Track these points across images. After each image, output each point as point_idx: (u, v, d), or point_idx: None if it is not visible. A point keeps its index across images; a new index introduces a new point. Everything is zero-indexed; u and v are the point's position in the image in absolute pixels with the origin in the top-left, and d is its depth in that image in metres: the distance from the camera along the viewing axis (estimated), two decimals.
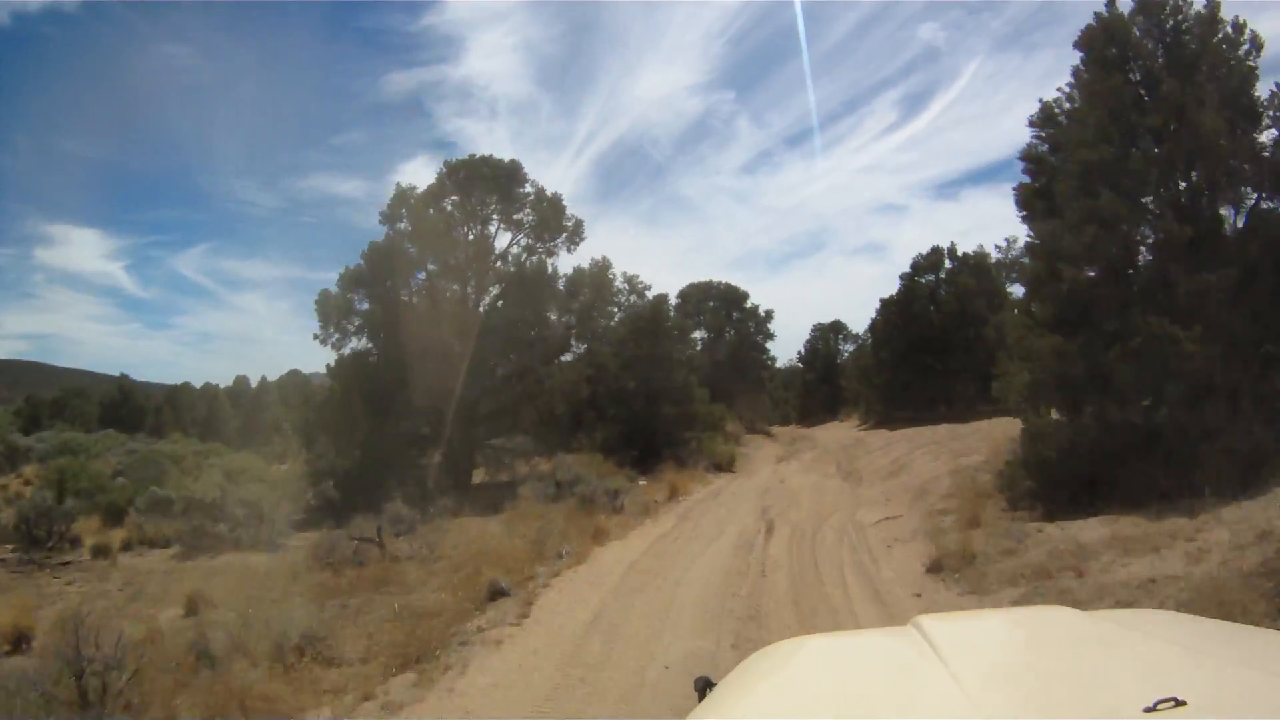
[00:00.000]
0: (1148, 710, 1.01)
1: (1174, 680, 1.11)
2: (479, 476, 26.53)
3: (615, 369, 20.03)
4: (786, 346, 58.83)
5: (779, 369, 47.37)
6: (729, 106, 71.83)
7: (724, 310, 36.50)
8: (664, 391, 19.26)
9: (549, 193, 23.52)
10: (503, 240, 23.72)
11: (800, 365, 48.48)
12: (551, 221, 22.73)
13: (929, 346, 26.72)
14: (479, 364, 23.53)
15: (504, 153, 61.94)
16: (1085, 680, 1.24)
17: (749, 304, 36.52)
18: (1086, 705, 1.13)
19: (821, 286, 74.51)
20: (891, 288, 29.00)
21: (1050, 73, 66.13)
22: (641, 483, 17.04)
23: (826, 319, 46.00)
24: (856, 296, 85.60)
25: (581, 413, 19.83)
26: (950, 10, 62.04)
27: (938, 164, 75.92)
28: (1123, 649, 1.38)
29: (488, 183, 23.56)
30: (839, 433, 30.49)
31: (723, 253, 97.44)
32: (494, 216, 23.73)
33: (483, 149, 61.28)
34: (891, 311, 28.77)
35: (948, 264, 28.39)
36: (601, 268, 24.68)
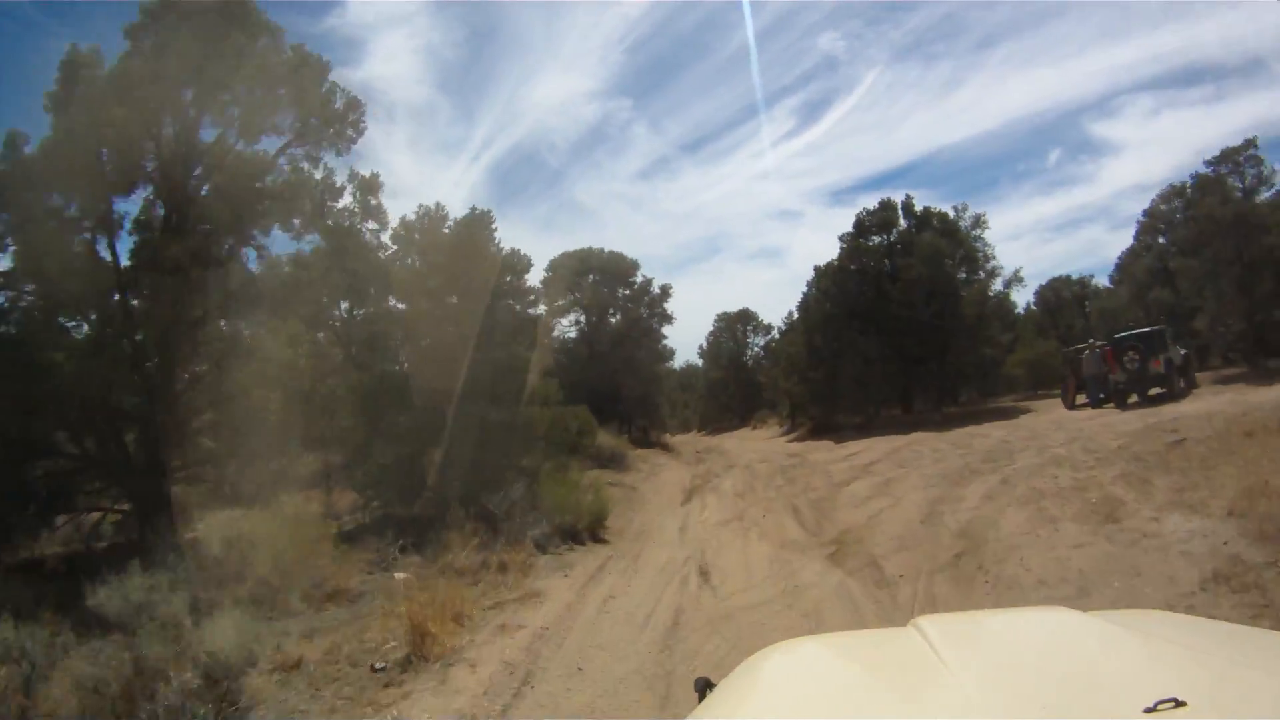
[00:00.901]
0: (1148, 710, 1.00)
1: (1174, 680, 1.09)
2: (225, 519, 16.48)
3: (394, 342, 10.75)
4: (683, 348, 52.58)
5: (675, 369, 39.75)
6: (626, 113, 66.06)
7: (608, 286, 27.84)
8: (480, 384, 10.27)
9: (311, 55, 14.02)
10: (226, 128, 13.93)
11: (701, 363, 41.18)
12: (300, 98, 13.21)
13: (884, 328, 19.35)
14: (182, 333, 13.59)
15: (402, 159, 51.21)
16: (1085, 680, 1.21)
17: (639, 278, 28.09)
18: (1086, 705, 1.10)
19: (718, 290, 70.82)
20: (789, 292, 21.76)
21: (950, 83, 63.27)
22: (398, 576, 8.00)
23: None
24: (754, 300, 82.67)
25: (318, 424, 10.47)
26: (850, 20, 58.68)
27: (834, 171, 73.29)
28: (1123, 649, 1.34)
29: (199, 37, 13.73)
30: (760, 444, 22.73)
31: None
32: (210, 90, 13.92)
33: (379, 152, 51.42)
34: (829, 283, 21.27)
35: (903, 223, 21.30)
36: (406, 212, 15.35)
